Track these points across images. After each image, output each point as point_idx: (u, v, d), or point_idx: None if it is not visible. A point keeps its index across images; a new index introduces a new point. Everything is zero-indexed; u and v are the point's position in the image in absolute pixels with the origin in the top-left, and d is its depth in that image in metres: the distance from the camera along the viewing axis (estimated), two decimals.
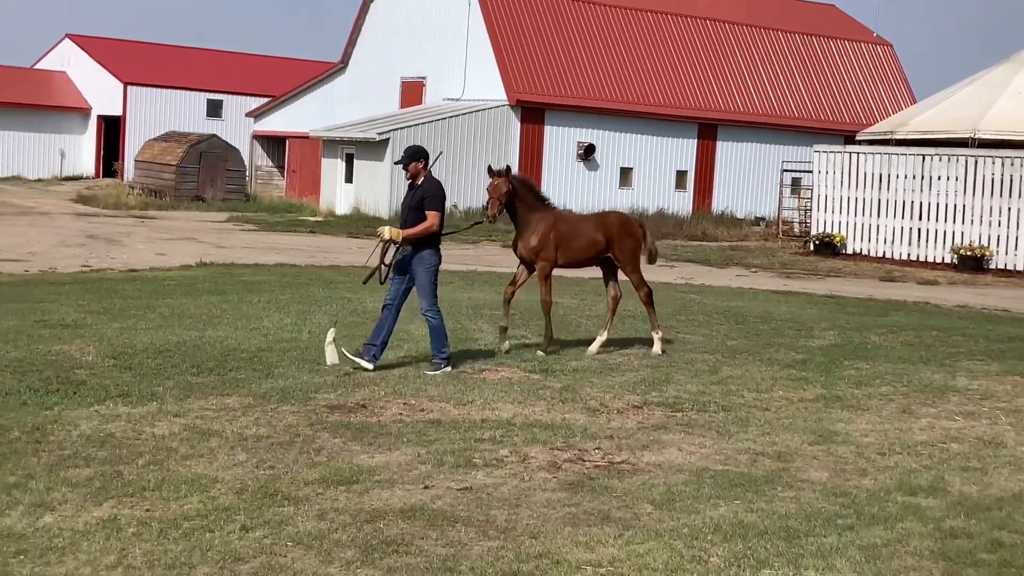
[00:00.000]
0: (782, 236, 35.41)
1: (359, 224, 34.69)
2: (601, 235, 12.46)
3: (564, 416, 9.32)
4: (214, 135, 43.94)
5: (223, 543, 5.96)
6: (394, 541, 6.12)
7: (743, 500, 7.16)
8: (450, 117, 38.11)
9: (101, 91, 52.67)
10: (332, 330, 11.07)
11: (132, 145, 49.65)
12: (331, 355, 10.83)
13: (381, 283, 11.31)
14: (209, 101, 53.23)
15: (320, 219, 36.80)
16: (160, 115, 51.34)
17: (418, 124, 37.66)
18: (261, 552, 5.87)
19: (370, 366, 10.85)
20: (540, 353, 12.10)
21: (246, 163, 44.58)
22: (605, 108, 39.98)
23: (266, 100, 49.13)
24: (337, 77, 46.04)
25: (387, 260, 11.19)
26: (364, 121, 40.21)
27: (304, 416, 8.91)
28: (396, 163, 11.77)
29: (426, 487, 7.16)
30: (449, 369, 11.09)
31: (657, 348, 12.54)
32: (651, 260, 13.11)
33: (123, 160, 50.38)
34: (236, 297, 16.35)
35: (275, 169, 48.27)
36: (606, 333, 12.61)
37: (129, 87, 51.41)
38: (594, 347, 12.45)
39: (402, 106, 42.30)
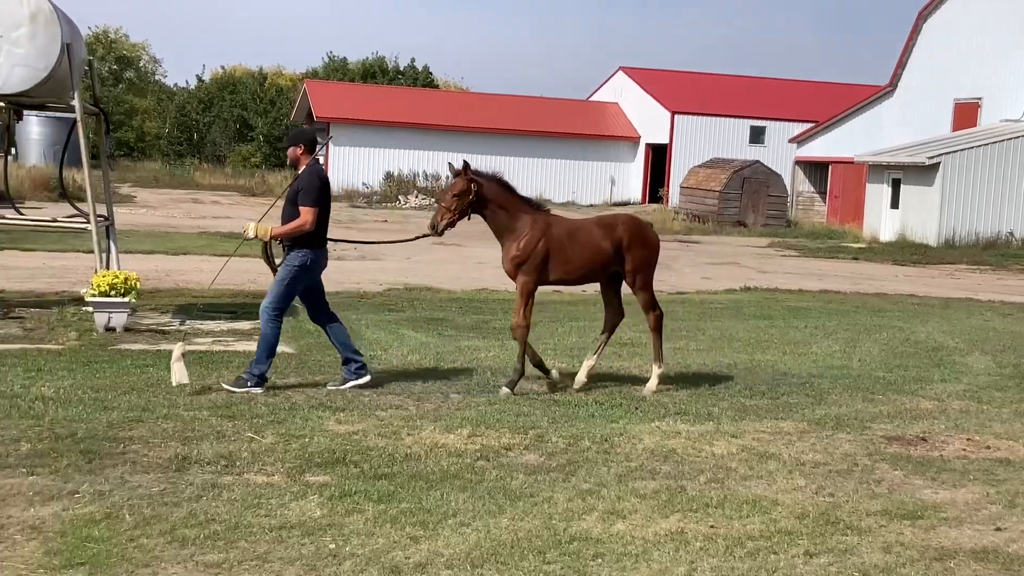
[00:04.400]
0: None
1: (905, 251, 33.59)
2: (608, 243, 10.31)
3: None
4: (757, 161, 44.41)
5: (788, 566, 5.96)
6: None
7: None
8: (1007, 140, 35.92)
9: (649, 120, 54.97)
10: (180, 344, 9.56)
11: (677, 172, 51.36)
12: (178, 373, 9.31)
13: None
14: (752, 128, 53.86)
15: (863, 245, 36.03)
16: (704, 142, 52.67)
17: (971, 147, 35.86)
18: None
19: (366, 378, 9.79)
20: (504, 390, 9.99)
21: (787, 189, 44.62)
22: None
23: (809, 125, 48.94)
24: (884, 100, 44.92)
25: (276, 261, 9.72)
26: (912, 145, 38.88)
27: (861, 445, 8.73)
28: (280, 148, 10.22)
29: (998, 529, 6.76)
30: (258, 391, 9.32)
31: (652, 385, 10.48)
32: None
33: (668, 186, 52.21)
34: (782, 322, 16.40)
35: (816, 195, 47.92)
36: (595, 359, 10.59)
37: (676, 116, 53.22)
38: (581, 374, 10.47)
39: (954, 129, 40.46)
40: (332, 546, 5.89)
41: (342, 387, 9.76)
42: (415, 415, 8.97)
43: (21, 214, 15.12)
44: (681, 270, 25.94)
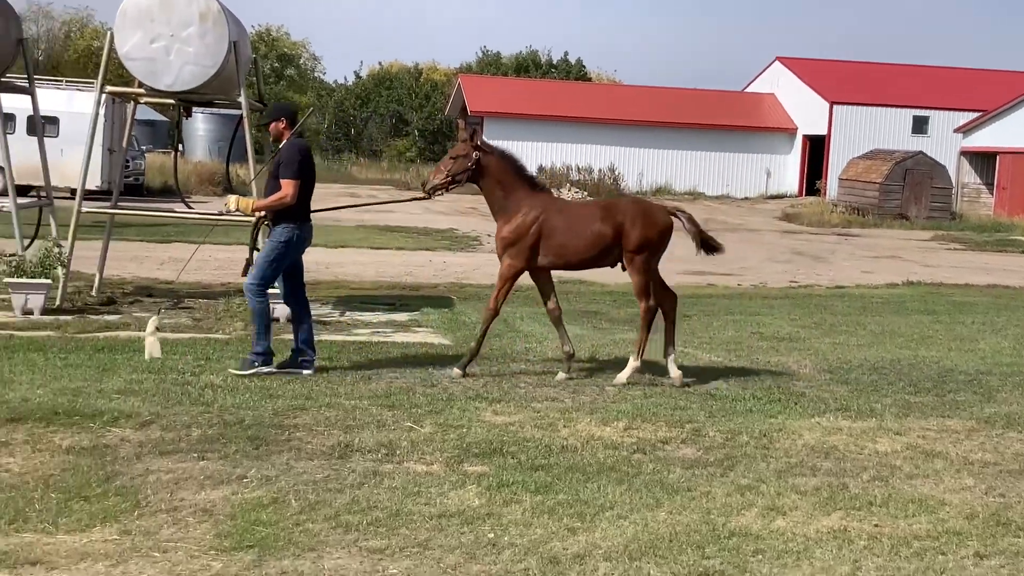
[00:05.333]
0: None
1: None
2: (609, 227, 9.83)
3: None
4: (920, 152, 43.15)
5: (957, 567, 5.78)
6: None
7: None
8: None
9: (807, 111, 53.90)
10: (154, 319, 9.47)
11: (835, 164, 50.25)
12: (151, 347, 9.35)
13: (243, 274, 9.65)
14: (915, 118, 52.31)
15: None
16: (864, 133, 51.39)
17: None
18: None
19: (309, 371, 9.62)
20: (456, 371, 9.86)
21: (952, 180, 43.24)
22: None
23: (976, 115, 47.31)
24: None
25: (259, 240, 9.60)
26: None
27: None
28: (260, 124, 9.95)
29: None
30: (266, 371, 9.41)
31: (622, 376, 9.97)
32: (711, 248, 10.36)
33: (826, 178, 51.14)
34: (948, 318, 15.93)
35: (983, 186, 46.32)
36: (672, 349, 10.13)
37: (835, 106, 52.06)
38: (672, 372, 10.08)
39: None
40: (491, 535, 5.94)
41: (271, 370, 9.57)
42: (571, 407, 8.99)
43: (190, 207, 15.64)
44: (839, 263, 25.41)
